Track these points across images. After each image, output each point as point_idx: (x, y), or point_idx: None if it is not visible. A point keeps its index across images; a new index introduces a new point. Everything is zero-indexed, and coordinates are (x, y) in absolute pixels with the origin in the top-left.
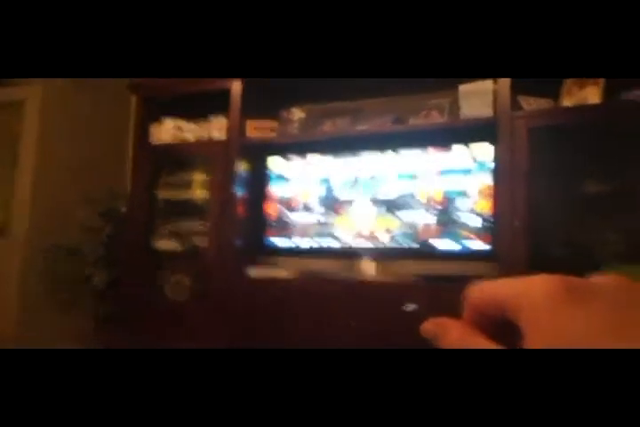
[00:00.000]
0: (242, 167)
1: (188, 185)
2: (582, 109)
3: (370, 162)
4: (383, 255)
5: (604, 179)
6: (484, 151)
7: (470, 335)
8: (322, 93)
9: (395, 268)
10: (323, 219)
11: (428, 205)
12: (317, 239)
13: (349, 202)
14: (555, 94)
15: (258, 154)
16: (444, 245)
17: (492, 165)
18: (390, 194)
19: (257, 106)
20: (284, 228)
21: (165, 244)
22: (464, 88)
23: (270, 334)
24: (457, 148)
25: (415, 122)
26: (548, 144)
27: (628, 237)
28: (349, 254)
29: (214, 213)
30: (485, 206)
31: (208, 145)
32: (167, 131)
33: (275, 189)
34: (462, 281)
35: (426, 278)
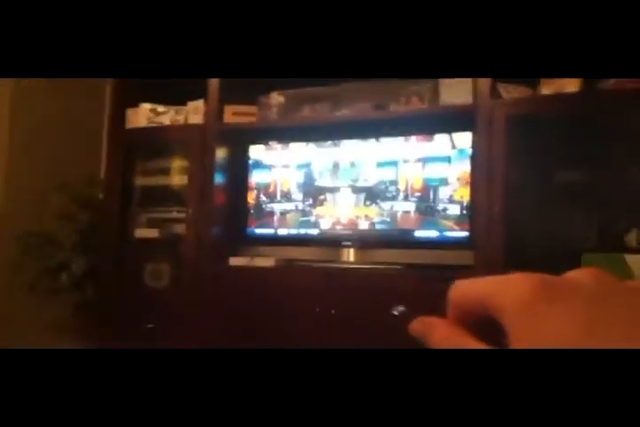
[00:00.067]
0: (221, 153)
1: (166, 171)
2: (560, 98)
3: (350, 149)
4: (362, 243)
5: (582, 167)
6: (466, 140)
7: (456, 334)
8: (301, 78)
9: (374, 256)
10: (302, 206)
11: (407, 193)
12: (297, 227)
13: (329, 189)
14: (533, 82)
15: (237, 140)
16: (423, 233)
17: (471, 152)
18: (370, 181)
19: (235, 90)
20: (263, 216)
21: (144, 231)
22: None
23: (250, 321)
24: (439, 137)
25: (395, 108)
26: (527, 132)
27: (604, 226)
28: (329, 242)
29: (193, 201)
30: (465, 194)
31: (185, 129)
32: (143, 115)
33: (254, 177)
34: (444, 269)
35: (407, 266)
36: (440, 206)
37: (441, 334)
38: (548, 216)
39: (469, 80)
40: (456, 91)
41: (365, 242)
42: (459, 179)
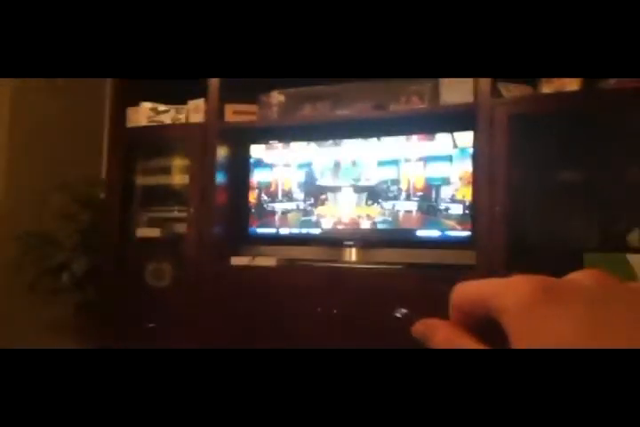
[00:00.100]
0: (221, 152)
1: (166, 170)
2: (561, 97)
3: (351, 148)
4: (364, 243)
5: (583, 166)
6: (467, 139)
7: (457, 336)
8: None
9: (376, 255)
10: (304, 206)
11: (409, 193)
12: (298, 227)
13: (331, 188)
14: (534, 81)
15: (237, 139)
16: (425, 232)
17: (472, 151)
18: (372, 181)
19: (236, 89)
20: (264, 215)
21: (145, 231)
22: None
23: (252, 321)
24: (441, 136)
25: (396, 108)
26: (528, 131)
27: (606, 226)
28: (331, 242)
29: (194, 200)
30: (467, 194)
31: (185, 128)
32: (143, 114)
33: (255, 176)
34: (446, 269)
35: (409, 266)
36: (442, 206)
37: (443, 335)
38: (549, 216)
39: (470, 79)
40: (456, 90)
41: (367, 242)
42: (460, 178)
